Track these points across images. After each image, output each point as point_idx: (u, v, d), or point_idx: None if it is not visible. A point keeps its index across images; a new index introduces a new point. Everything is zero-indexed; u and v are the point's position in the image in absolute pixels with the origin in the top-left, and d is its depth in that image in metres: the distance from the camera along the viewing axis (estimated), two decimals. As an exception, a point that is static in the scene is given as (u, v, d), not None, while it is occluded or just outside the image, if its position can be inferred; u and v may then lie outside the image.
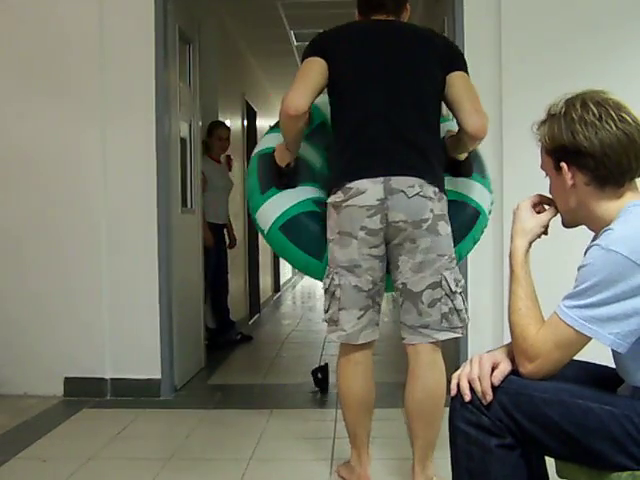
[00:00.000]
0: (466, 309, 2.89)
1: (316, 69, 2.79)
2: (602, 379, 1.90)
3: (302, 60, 2.87)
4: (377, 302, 2.91)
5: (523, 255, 1.86)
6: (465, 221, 2.98)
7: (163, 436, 3.93)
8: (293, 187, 2.97)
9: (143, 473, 3.24)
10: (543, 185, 1.95)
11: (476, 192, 3.05)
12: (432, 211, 2.71)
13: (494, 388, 1.75)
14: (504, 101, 4.27)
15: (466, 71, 2.89)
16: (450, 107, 2.83)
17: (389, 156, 2.70)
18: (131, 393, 4.45)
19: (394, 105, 2.72)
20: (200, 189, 5.54)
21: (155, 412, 4.24)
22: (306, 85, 2.76)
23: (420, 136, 2.74)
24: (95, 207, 4.50)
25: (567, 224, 1.91)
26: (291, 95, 2.73)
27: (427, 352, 2.92)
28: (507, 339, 1.86)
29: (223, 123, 6.38)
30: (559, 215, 1.91)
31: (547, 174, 1.89)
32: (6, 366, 4.53)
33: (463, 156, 3.00)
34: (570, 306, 1.70)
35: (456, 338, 2.97)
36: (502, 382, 1.76)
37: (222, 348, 6.12)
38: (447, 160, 2.91)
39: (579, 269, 1.72)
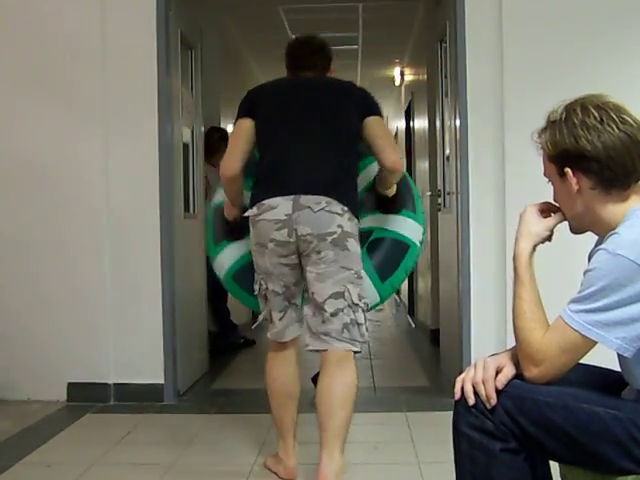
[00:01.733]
0: (367, 328, 3.09)
1: (244, 132, 3.19)
2: (606, 383, 1.89)
3: (236, 117, 3.31)
4: (294, 303, 3.14)
5: (528, 258, 1.85)
6: (396, 255, 3.26)
7: (166, 441, 3.93)
8: (241, 239, 3.29)
9: (147, 478, 3.25)
10: (546, 190, 1.95)
11: (406, 227, 3.30)
12: (340, 227, 2.94)
13: (498, 392, 1.75)
14: (505, 105, 4.27)
15: (381, 116, 3.22)
16: (369, 147, 3.12)
17: (301, 179, 2.99)
18: (134, 398, 4.44)
19: (310, 142, 3.06)
20: (204, 195, 5.57)
21: (158, 417, 4.25)
22: (237, 150, 3.15)
23: (332, 168, 3.03)
24: (98, 213, 4.51)
25: (574, 230, 1.90)
26: (226, 160, 3.15)
27: (336, 356, 3.05)
28: (510, 344, 1.86)
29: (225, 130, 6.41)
30: (566, 222, 1.90)
31: (551, 181, 1.89)
32: (9, 371, 4.54)
33: (391, 192, 3.26)
34: (576, 310, 1.70)
35: (355, 353, 3.09)
36: (506, 386, 1.76)
37: (225, 352, 6.12)
38: (377, 198, 3.27)
39: (585, 273, 1.72)
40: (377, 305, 3.44)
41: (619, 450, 1.67)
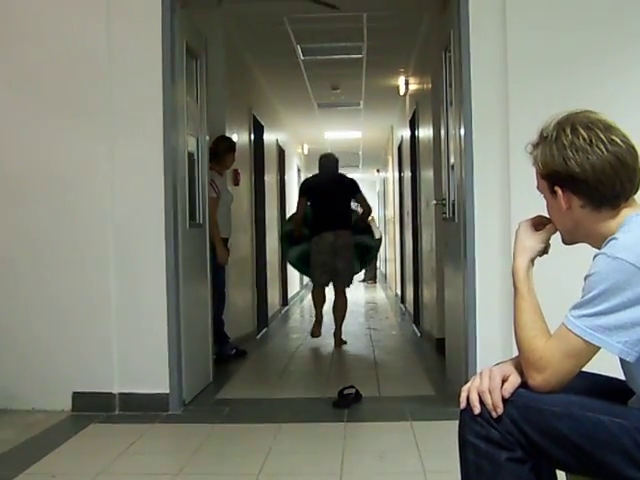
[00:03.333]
0: (352, 281, 7.24)
1: (303, 203, 7.27)
2: (612, 391, 1.89)
3: (299, 193, 7.46)
4: (326, 271, 7.19)
5: (525, 272, 1.87)
6: (365, 251, 7.57)
7: (171, 451, 3.93)
8: (300, 245, 7.43)
9: (152, 488, 3.23)
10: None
11: (369, 240, 7.62)
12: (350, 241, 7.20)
13: (504, 401, 1.75)
14: (510, 114, 4.26)
15: (360, 192, 7.28)
16: (358, 204, 7.37)
17: (334, 223, 7.07)
18: (139, 408, 4.43)
19: (334, 207, 7.10)
20: (214, 203, 5.65)
21: (163, 427, 4.24)
22: (300, 209, 7.30)
23: (343, 217, 7.16)
24: (103, 223, 4.51)
25: (567, 242, 1.92)
26: (297, 214, 7.39)
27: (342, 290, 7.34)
28: (516, 352, 1.85)
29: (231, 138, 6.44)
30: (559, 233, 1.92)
31: (543, 195, 1.91)
32: (14, 381, 4.53)
33: (364, 223, 7.45)
34: (577, 316, 1.70)
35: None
36: (512, 395, 1.76)
37: (229, 362, 6.12)
38: (358, 227, 7.31)
39: (585, 278, 1.73)
40: (357, 272, 8.04)
41: (625, 459, 1.67)
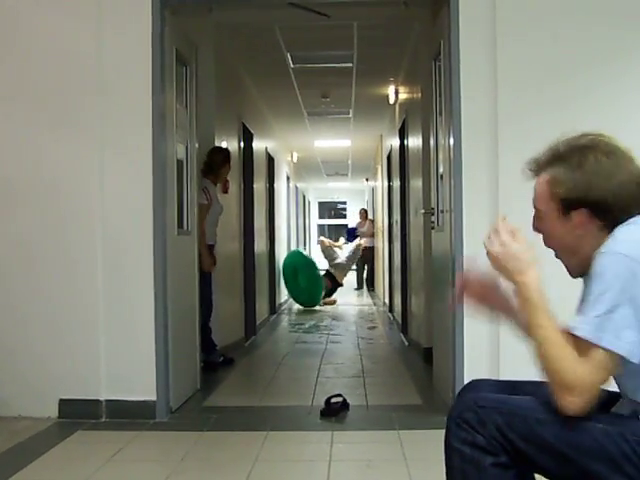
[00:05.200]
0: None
1: None
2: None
3: None
4: None
5: (540, 284, 1.81)
6: None
7: (158, 459, 3.91)
8: None
9: (138, 496, 3.22)
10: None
11: None
12: None
13: (489, 409, 1.77)
14: (499, 123, 4.29)
15: None
16: None
17: None
18: (126, 415, 4.42)
19: None
20: (204, 210, 5.73)
21: (150, 434, 4.22)
22: None
23: None
24: (92, 229, 4.50)
25: (574, 273, 1.92)
26: None
27: None
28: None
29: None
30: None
31: (540, 212, 1.91)
32: (0, 388, 4.51)
33: None
34: (583, 321, 1.69)
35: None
36: (496, 402, 1.79)
37: (216, 370, 6.11)
38: None
39: (585, 281, 1.75)
40: None
41: (610, 466, 1.68)
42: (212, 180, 6.20)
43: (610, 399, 1.87)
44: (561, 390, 1.67)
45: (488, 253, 1.89)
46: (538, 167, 1.91)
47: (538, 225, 1.93)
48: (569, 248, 1.89)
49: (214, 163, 6.24)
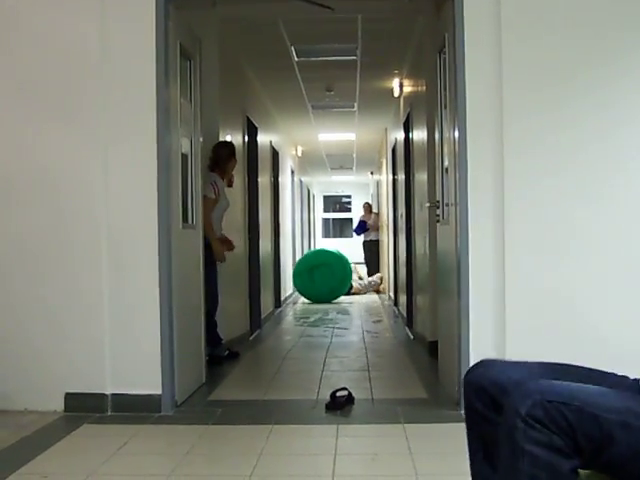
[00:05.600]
0: None
1: None
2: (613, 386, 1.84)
3: None
4: None
5: None
6: None
7: (163, 452, 3.92)
8: None
9: (143, 489, 3.23)
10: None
11: None
12: None
13: (559, 403, 1.61)
14: (504, 117, 4.28)
15: None
16: None
17: None
18: (132, 409, 4.43)
19: None
20: (210, 203, 5.87)
21: (156, 428, 4.23)
22: None
23: None
24: (96, 223, 4.51)
25: None
26: None
27: None
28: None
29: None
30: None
31: None
32: (7, 382, 4.52)
33: None
34: None
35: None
36: (564, 397, 1.63)
37: (221, 364, 6.11)
38: None
39: None
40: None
41: None
42: (220, 174, 6.24)
43: (627, 387, 1.84)
44: None
45: None
46: None
47: None
48: None
49: (220, 158, 6.29)
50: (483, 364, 2.05)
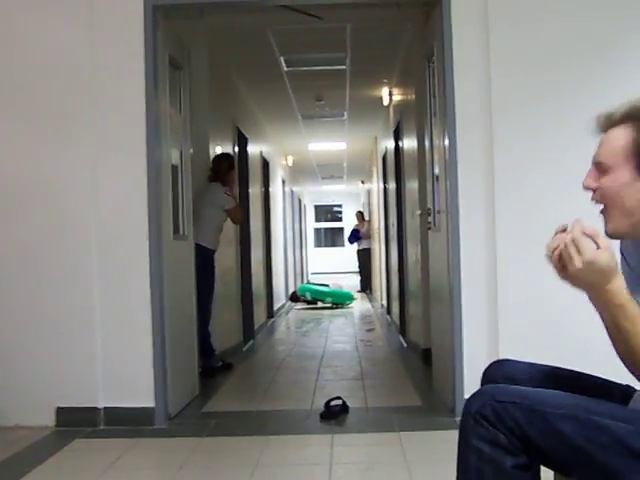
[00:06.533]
0: None
1: None
2: (609, 393, 1.87)
3: None
4: None
5: (626, 290, 1.69)
6: None
7: (157, 466, 3.89)
8: None
9: (137, 503, 3.20)
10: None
11: None
12: None
13: (508, 404, 1.70)
14: (494, 124, 4.29)
15: None
16: None
17: None
18: (125, 422, 4.40)
19: None
20: (237, 209, 6.34)
21: (149, 441, 4.20)
22: None
23: None
24: (87, 235, 4.48)
25: (617, 234, 1.82)
26: None
27: None
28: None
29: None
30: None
31: (605, 166, 1.80)
32: (-2, 397, 4.49)
33: None
34: None
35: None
36: (515, 397, 1.71)
37: (215, 375, 6.09)
38: None
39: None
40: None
41: (630, 464, 1.64)
42: (223, 184, 6.38)
43: (626, 394, 1.85)
44: None
45: (563, 272, 1.69)
46: (611, 122, 1.81)
47: (595, 180, 1.82)
48: (627, 210, 1.78)
49: (220, 169, 6.42)
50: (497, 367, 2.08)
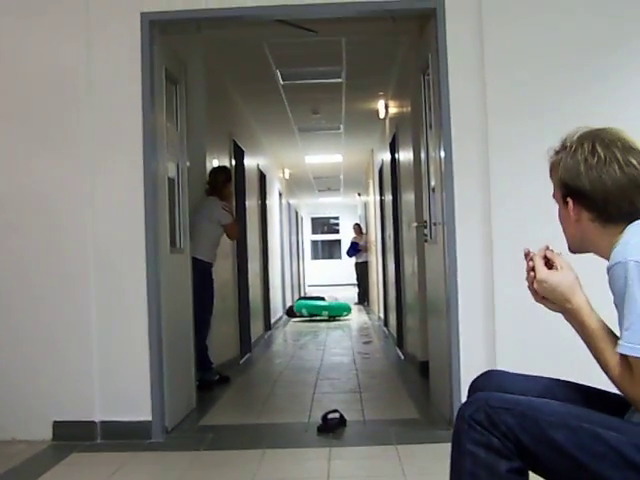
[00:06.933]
0: None
1: None
2: (607, 404, 1.88)
3: None
4: None
5: (589, 306, 1.82)
6: None
7: (154, 479, 3.87)
8: None
9: (134, 518, 3.19)
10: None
11: None
12: None
13: (501, 409, 1.73)
14: (489, 136, 4.30)
15: None
16: None
17: None
18: (121, 436, 4.38)
19: None
20: (234, 227, 6.39)
21: (146, 455, 4.19)
22: None
23: None
24: (83, 249, 4.48)
25: (573, 250, 1.93)
26: None
27: None
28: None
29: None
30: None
31: (556, 202, 1.93)
32: (-6, 411, 4.47)
33: None
34: (622, 337, 1.70)
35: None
36: (508, 403, 1.75)
37: (212, 388, 6.07)
38: None
39: (614, 298, 1.72)
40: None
41: (619, 472, 1.65)
42: (220, 197, 6.35)
43: (622, 407, 1.86)
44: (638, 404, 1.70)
45: (530, 290, 1.91)
46: (552, 155, 1.93)
47: (558, 215, 1.96)
48: (575, 239, 1.91)
49: (217, 183, 6.38)
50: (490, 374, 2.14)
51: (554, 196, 1.93)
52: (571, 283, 1.84)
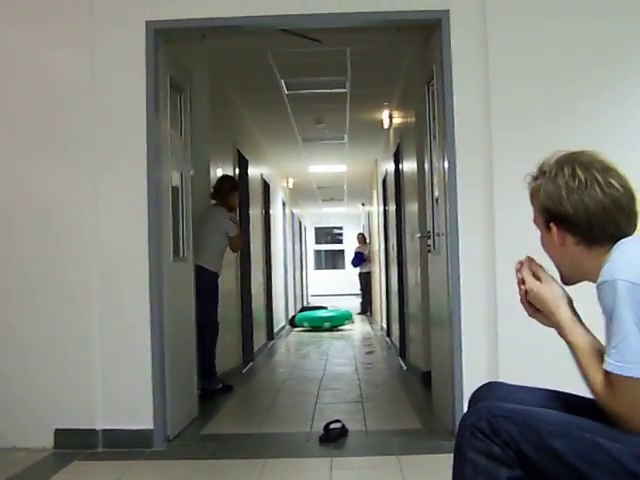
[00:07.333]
0: None
1: None
2: (607, 416, 1.88)
3: None
4: None
5: (571, 322, 1.85)
6: None
7: (155, 488, 3.87)
8: None
9: (135, 527, 3.17)
10: (535, 231, 1.96)
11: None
12: None
13: (503, 418, 1.74)
14: (493, 146, 4.30)
15: None
16: None
17: None
18: (123, 444, 4.37)
19: None
20: (239, 239, 6.40)
21: (148, 463, 4.18)
22: None
23: None
24: (86, 257, 4.48)
25: (566, 281, 1.92)
26: None
27: None
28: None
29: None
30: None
31: (538, 229, 1.93)
32: (-4, 419, 4.47)
33: None
34: (609, 355, 1.70)
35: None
36: (509, 412, 1.76)
37: (214, 397, 6.06)
38: None
39: (604, 317, 1.73)
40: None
41: None
42: (225, 206, 6.35)
43: None
44: (620, 421, 1.70)
45: (522, 304, 1.97)
46: (530, 181, 1.93)
47: (541, 242, 1.96)
48: (564, 266, 1.91)
49: (222, 191, 6.39)
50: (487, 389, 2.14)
51: (535, 222, 1.93)
52: (555, 297, 1.87)
